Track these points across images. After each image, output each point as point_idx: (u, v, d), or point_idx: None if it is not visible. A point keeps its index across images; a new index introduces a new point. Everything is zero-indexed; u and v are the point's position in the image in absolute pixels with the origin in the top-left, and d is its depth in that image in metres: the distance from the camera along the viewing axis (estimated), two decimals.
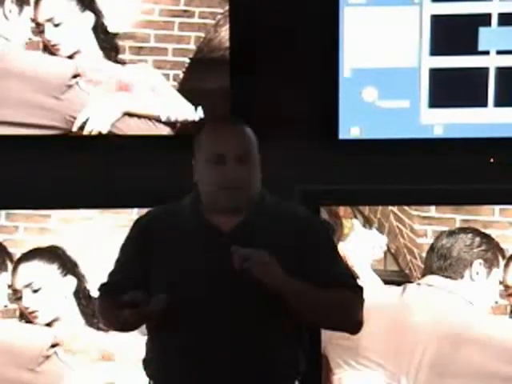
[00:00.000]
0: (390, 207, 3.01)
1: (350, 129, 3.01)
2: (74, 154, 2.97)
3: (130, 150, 2.98)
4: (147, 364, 2.22)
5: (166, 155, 2.91)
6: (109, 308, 2.17)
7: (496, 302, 2.99)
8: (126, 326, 2.14)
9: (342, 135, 3.00)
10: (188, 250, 2.11)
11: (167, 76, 2.98)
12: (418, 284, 3.00)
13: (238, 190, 2.08)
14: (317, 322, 2.26)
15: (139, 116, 3.01)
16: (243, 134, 2.13)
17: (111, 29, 2.96)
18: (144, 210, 2.32)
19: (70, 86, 2.97)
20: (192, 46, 2.97)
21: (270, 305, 2.06)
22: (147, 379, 2.24)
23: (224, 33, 2.94)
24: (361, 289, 2.18)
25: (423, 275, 3.00)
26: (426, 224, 2.99)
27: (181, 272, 2.09)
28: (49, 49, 2.94)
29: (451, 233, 2.99)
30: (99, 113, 2.98)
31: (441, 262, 2.98)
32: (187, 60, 2.97)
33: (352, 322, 2.16)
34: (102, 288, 2.25)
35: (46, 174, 2.95)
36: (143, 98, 3.00)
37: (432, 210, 3.01)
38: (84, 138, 3.01)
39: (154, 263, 2.13)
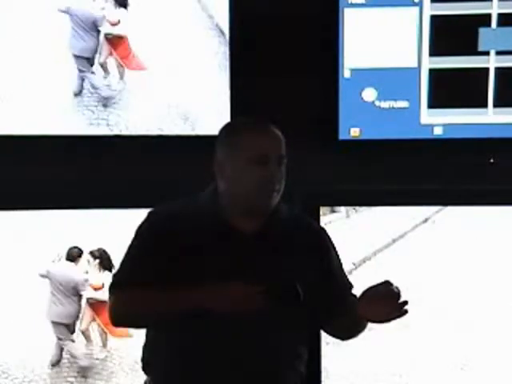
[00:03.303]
0: None
1: (350, 129, 3.01)
2: (74, 154, 2.97)
3: (130, 150, 2.98)
4: (149, 363, 2.21)
5: (166, 155, 2.92)
6: (127, 301, 2.11)
7: None
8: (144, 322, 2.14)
9: (342, 135, 3.00)
10: (208, 251, 2.08)
11: None
12: None
13: (276, 191, 2.10)
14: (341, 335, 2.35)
15: None
16: (280, 137, 2.15)
17: None
18: (143, 211, 2.31)
19: None
20: None
21: (273, 305, 2.07)
22: (146, 378, 2.24)
23: None
24: None
25: None
26: None
27: (199, 273, 2.06)
28: None
29: None
30: None
31: None
32: None
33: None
34: (117, 283, 2.16)
35: (46, 174, 2.95)
36: None
37: None
38: (84, 138, 3.02)
39: (170, 263, 2.08)
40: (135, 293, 2.08)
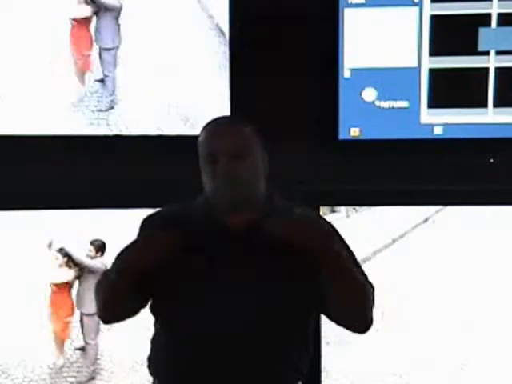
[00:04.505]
0: None
1: (350, 129, 3.01)
2: (74, 154, 2.97)
3: (130, 150, 2.99)
4: (151, 362, 2.22)
5: (166, 155, 2.92)
6: (110, 288, 2.11)
7: None
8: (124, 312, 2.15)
9: (341, 135, 3.00)
10: (199, 251, 2.09)
11: None
12: None
13: (233, 185, 2.06)
14: (341, 310, 2.15)
15: None
16: (235, 131, 2.11)
17: None
18: (143, 211, 2.31)
19: None
20: None
21: (274, 305, 2.07)
22: (151, 377, 2.24)
23: None
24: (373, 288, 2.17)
25: None
26: None
27: (191, 272, 2.08)
28: None
29: None
30: None
31: None
32: None
33: (369, 320, 2.14)
34: (106, 274, 2.17)
35: (46, 173, 2.95)
36: None
37: None
38: (84, 138, 3.02)
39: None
40: (102, 281, 2.13)
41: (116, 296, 2.09)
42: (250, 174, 2.09)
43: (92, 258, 3.08)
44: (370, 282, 2.18)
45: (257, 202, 2.12)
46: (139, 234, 2.20)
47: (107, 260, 3.03)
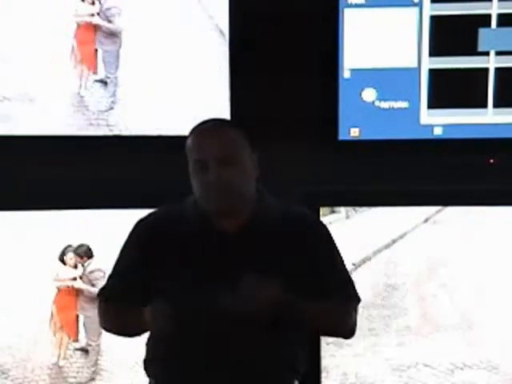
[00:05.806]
0: None
1: (350, 129, 3.01)
2: (74, 154, 2.97)
3: (130, 150, 2.99)
4: (148, 364, 2.22)
5: (166, 155, 2.92)
6: (111, 314, 2.20)
7: None
8: (127, 335, 2.21)
9: (341, 136, 3.00)
10: (190, 252, 2.11)
11: None
12: None
13: (224, 191, 2.06)
14: (315, 332, 2.34)
15: None
16: (223, 136, 2.10)
17: None
18: (143, 210, 2.32)
19: None
20: None
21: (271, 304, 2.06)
22: (148, 379, 2.24)
23: None
24: (358, 299, 2.20)
25: None
26: None
27: (182, 274, 2.09)
28: None
29: None
30: None
31: None
32: None
33: (347, 331, 2.20)
34: (104, 293, 2.25)
35: (46, 173, 2.95)
36: None
37: None
38: (84, 138, 3.02)
39: (156, 265, 2.12)
40: (111, 307, 2.21)
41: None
42: (240, 178, 2.09)
43: (81, 264, 3.08)
44: (355, 294, 2.20)
45: (248, 204, 2.13)
46: (129, 238, 2.22)
47: (98, 263, 3.06)
